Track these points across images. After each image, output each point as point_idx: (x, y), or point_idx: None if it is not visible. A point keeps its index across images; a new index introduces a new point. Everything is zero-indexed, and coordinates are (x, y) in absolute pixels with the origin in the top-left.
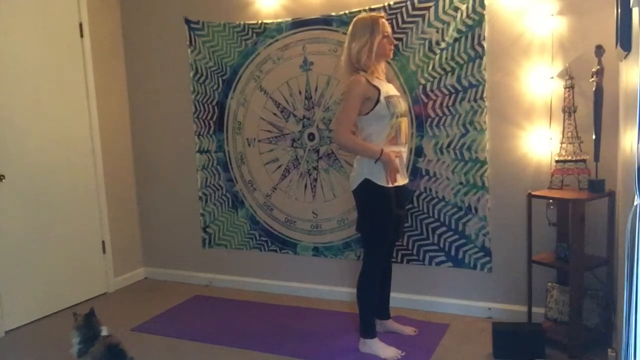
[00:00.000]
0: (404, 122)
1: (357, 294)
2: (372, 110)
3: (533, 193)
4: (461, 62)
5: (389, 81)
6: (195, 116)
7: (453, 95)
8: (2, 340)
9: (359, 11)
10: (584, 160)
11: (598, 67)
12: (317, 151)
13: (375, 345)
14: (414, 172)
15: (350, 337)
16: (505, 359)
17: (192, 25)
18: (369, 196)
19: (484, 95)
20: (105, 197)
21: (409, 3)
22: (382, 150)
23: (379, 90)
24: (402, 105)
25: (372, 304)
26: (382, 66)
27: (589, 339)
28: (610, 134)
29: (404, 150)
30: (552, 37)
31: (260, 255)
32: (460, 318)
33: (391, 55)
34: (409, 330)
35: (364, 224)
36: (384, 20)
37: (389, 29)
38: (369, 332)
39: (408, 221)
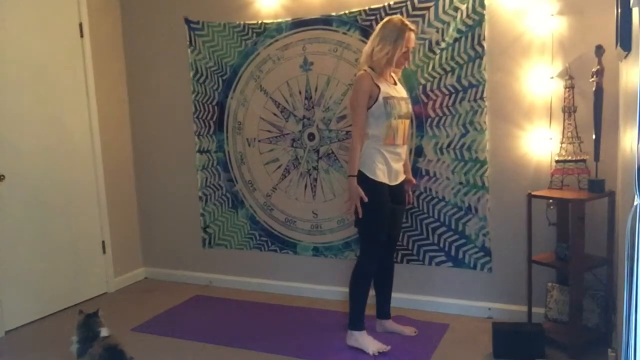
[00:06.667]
0: (403, 124)
1: (349, 286)
2: (369, 108)
3: (533, 193)
4: (461, 62)
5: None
6: (195, 116)
7: (453, 95)
8: (2, 340)
9: (359, 11)
10: (584, 160)
11: (598, 67)
12: (317, 151)
13: (362, 338)
14: (414, 172)
15: None
16: (505, 359)
17: (192, 25)
18: (362, 188)
19: (484, 95)
20: (105, 197)
21: (409, 3)
22: (356, 178)
23: (379, 89)
24: (403, 108)
25: (364, 298)
26: (396, 70)
27: (589, 339)
28: (610, 134)
29: (402, 151)
30: (552, 37)
31: (260, 255)
32: (460, 318)
33: (402, 68)
34: (409, 331)
35: (359, 218)
36: (412, 34)
37: (411, 45)
38: (357, 324)
39: (408, 221)
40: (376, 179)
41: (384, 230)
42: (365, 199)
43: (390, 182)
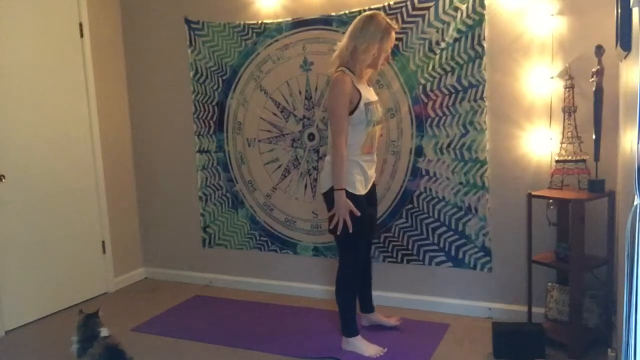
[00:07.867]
0: (378, 130)
1: (336, 295)
2: (350, 115)
3: (533, 193)
4: (461, 62)
5: (388, 83)
6: (195, 116)
7: (453, 95)
8: (2, 340)
9: (359, 11)
10: (584, 160)
11: (598, 67)
12: (317, 151)
13: (358, 343)
14: (414, 172)
15: None
16: (505, 359)
17: (192, 25)
18: None
19: (484, 95)
20: (105, 197)
21: (409, 3)
22: (344, 192)
23: (360, 94)
24: (379, 112)
25: (352, 303)
26: (368, 71)
27: (589, 339)
28: (610, 134)
29: (375, 156)
30: (552, 37)
31: (260, 255)
32: (460, 318)
33: (379, 68)
34: (393, 321)
35: (337, 228)
36: (394, 35)
37: (392, 44)
38: (350, 330)
39: (408, 221)
40: (356, 193)
41: (364, 238)
42: (358, 213)
43: (367, 190)
